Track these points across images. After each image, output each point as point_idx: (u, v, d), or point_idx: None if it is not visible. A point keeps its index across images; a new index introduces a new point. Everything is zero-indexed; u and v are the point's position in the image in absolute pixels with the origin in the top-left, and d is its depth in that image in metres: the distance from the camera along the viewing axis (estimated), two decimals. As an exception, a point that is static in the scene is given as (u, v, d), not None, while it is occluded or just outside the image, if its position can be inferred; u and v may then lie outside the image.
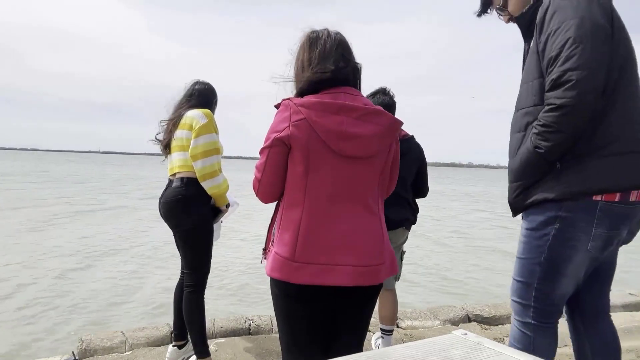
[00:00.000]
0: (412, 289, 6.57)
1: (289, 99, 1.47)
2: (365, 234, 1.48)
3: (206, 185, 2.47)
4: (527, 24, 1.77)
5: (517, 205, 1.73)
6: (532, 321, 1.71)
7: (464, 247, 10.34)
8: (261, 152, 1.49)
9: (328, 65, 1.47)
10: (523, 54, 1.83)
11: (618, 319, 3.62)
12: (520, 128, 1.69)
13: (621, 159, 1.52)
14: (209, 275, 2.69)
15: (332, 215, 1.45)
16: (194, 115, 2.51)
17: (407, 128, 2.63)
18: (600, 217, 1.55)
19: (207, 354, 2.61)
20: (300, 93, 1.50)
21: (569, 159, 1.56)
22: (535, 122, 1.58)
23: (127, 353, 2.94)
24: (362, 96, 1.53)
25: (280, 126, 1.43)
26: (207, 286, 2.70)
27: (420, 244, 10.22)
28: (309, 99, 1.44)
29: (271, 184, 1.51)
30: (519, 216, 1.78)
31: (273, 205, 1.60)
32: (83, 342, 2.97)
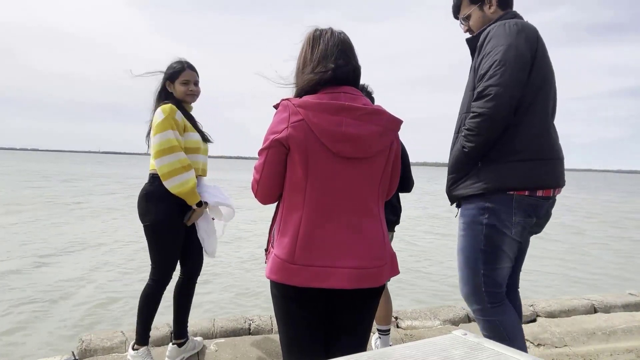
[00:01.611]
0: (412, 289, 6.57)
1: (287, 99, 1.46)
2: (366, 236, 1.47)
3: (167, 184, 2.45)
4: (474, 46, 2.05)
5: (450, 195, 2.08)
6: (489, 305, 1.99)
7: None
8: (260, 153, 1.48)
9: (328, 64, 1.47)
10: (470, 68, 2.13)
11: (618, 319, 3.63)
12: (455, 130, 2.06)
13: (523, 164, 1.87)
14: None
15: (331, 218, 1.44)
16: (156, 113, 2.53)
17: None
18: (516, 207, 1.90)
19: (143, 343, 2.67)
20: (300, 92, 1.50)
21: (488, 161, 1.91)
22: (463, 127, 1.93)
23: (127, 353, 2.94)
24: (362, 96, 1.52)
25: (279, 127, 1.42)
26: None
27: (420, 244, 10.23)
28: (307, 99, 1.43)
29: (270, 186, 1.50)
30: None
31: (274, 205, 1.60)
32: (83, 342, 2.96)
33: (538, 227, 2.06)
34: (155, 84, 2.68)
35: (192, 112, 2.75)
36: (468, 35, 2.17)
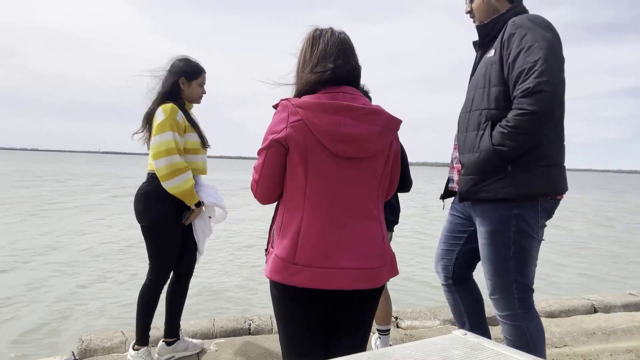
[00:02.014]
0: (411, 289, 6.57)
1: (287, 99, 1.46)
2: (365, 237, 1.47)
3: (165, 185, 2.45)
4: (485, 34, 2.00)
5: (469, 195, 1.96)
6: (520, 311, 1.94)
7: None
8: (259, 153, 1.48)
9: (327, 64, 1.46)
10: (474, 61, 2.07)
11: (618, 319, 3.63)
12: (474, 127, 1.94)
13: (549, 170, 1.84)
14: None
15: (331, 218, 1.44)
16: (156, 113, 2.49)
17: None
18: (541, 212, 1.89)
19: (143, 343, 2.66)
20: (299, 92, 1.50)
21: (517, 166, 1.83)
22: (504, 123, 1.80)
23: (127, 353, 2.94)
24: (362, 96, 1.51)
25: (278, 127, 1.42)
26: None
27: (420, 243, 10.23)
28: (306, 99, 1.43)
29: (269, 186, 1.50)
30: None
31: (274, 204, 1.60)
32: (83, 342, 2.96)
33: None
34: (152, 80, 2.63)
35: (192, 111, 2.73)
36: (470, 19, 2.11)
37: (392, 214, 2.76)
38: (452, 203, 2.28)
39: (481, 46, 2.04)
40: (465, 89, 2.11)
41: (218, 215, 2.81)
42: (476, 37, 2.07)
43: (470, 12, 2.09)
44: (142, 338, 2.66)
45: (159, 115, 2.45)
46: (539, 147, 1.81)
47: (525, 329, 1.94)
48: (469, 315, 2.27)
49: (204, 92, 2.71)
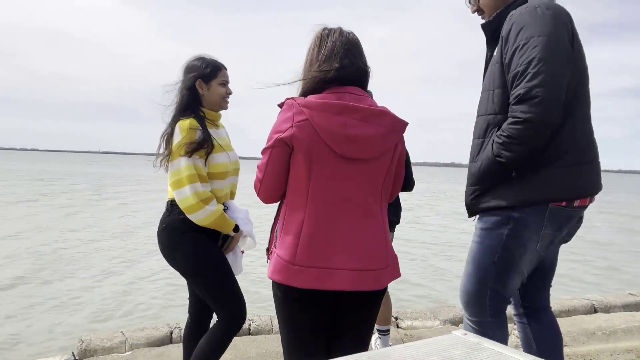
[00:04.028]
0: (411, 289, 6.57)
1: (292, 98, 1.45)
2: (368, 238, 1.46)
3: (192, 218, 2.03)
4: (492, 31, 1.80)
5: (473, 207, 1.80)
6: (490, 319, 1.79)
7: (465, 246, 10.34)
8: (263, 152, 1.48)
9: (333, 64, 1.45)
10: (485, 60, 1.89)
11: (618, 319, 3.63)
12: (479, 134, 1.77)
13: (562, 172, 1.63)
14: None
15: (334, 219, 1.44)
16: (175, 131, 2.05)
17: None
18: (549, 219, 1.66)
19: None
20: (305, 91, 1.49)
21: (523, 170, 1.64)
22: (499, 132, 1.65)
23: (127, 353, 2.94)
24: (367, 96, 1.50)
25: (283, 126, 1.42)
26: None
27: (420, 243, 10.22)
28: (311, 99, 1.42)
29: (272, 185, 1.49)
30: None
31: (276, 205, 1.59)
32: (83, 342, 2.96)
33: (568, 236, 1.84)
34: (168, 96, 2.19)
35: (220, 122, 2.29)
36: (478, 17, 1.94)
37: (394, 214, 2.76)
38: None
39: (490, 45, 1.87)
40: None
41: (248, 244, 2.34)
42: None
43: (477, 10, 1.90)
44: None
45: (176, 136, 2.04)
46: (548, 148, 1.62)
47: (492, 338, 1.79)
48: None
49: (230, 92, 2.23)
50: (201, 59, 2.18)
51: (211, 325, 2.15)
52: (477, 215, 1.83)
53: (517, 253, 1.70)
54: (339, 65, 1.46)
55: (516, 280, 1.77)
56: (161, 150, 2.11)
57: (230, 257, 2.21)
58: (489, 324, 1.79)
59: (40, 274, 6.66)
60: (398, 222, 2.81)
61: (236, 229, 2.16)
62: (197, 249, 2.08)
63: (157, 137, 2.14)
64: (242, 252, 2.30)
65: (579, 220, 1.80)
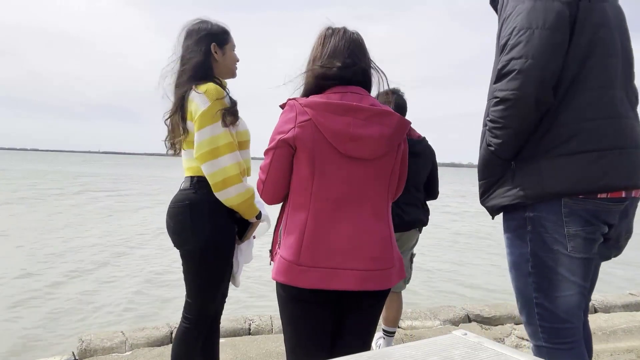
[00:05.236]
0: (412, 289, 6.56)
1: (294, 99, 1.45)
2: (372, 238, 1.46)
3: (220, 196, 1.82)
4: (496, 7, 1.61)
5: (484, 205, 1.61)
6: (544, 344, 1.49)
7: (464, 246, 10.33)
8: (266, 153, 1.47)
9: (335, 62, 1.45)
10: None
11: (618, 319, 3.63)
12: (484, 122, 1.55)
13: (572, 159, 1.38)
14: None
15: (338, 219, 1.43)
16: (194, 99, 1.81)
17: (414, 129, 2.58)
18: (568, 215, 1.40)
19: None
20: (306, 91, 1.49)
21: (522, 159, 1.45)
22: (486, 118, 1.49)
23: (127, 353, 2.94)
24: (370, 96, 1.51)
25: (286, 127, 1.41)
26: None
27: (420, 243, 10.20)
28: (314, 99, 1.42)
29: (276, 186, 1.49)
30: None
31: (279, 205, 1.59)
32: (83, 342, 2.96)
33: (617, 250, 1.63)
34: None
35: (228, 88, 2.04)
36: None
37: (424, 215, 2.80)
38: None
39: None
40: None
41: (262, 228, 2.13)
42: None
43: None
44: None
45: (202, 101, 1.78)
46: (550, 131, 1.40)
47: None
48: None
49: (238, 60, 2.04)
50: (208, 22, 1.95)
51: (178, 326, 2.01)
52: (501, 214, 1.59)
53: (549, 258, 1.44)
54: (341, 65, 1.45)
55: (566, 290, 1.45)
56: (180, 126, 1.85)
57: (243, 245, 2.04)
58: (544, 349, 1.49)
59: (40, 273, 6.66)
60: (426, 224, 2.85)
61: (259, 215, 1.99)
62: (219, 235, 1.88)
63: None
64: (254, 237, 2.11)
65: (627, 214, 1.51)
